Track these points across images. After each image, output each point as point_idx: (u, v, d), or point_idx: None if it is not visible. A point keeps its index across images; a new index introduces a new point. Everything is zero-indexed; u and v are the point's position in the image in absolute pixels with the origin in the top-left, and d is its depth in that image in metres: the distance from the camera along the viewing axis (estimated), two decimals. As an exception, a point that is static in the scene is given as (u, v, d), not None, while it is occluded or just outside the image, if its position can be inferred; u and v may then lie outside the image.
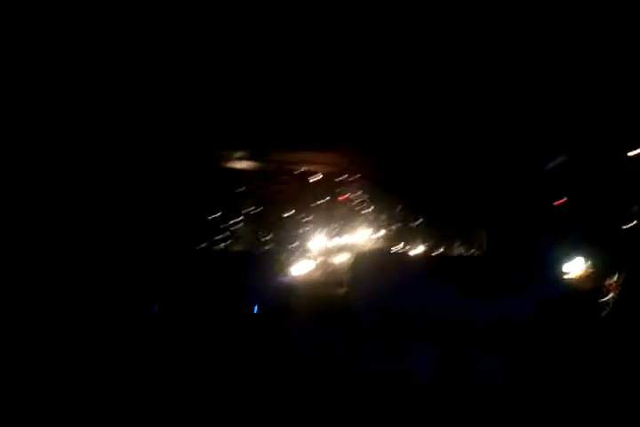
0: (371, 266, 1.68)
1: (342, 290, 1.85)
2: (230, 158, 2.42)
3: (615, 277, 1.84)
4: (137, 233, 2.59)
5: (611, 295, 1.80)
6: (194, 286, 1.75)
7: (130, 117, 1.79)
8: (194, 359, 1.57)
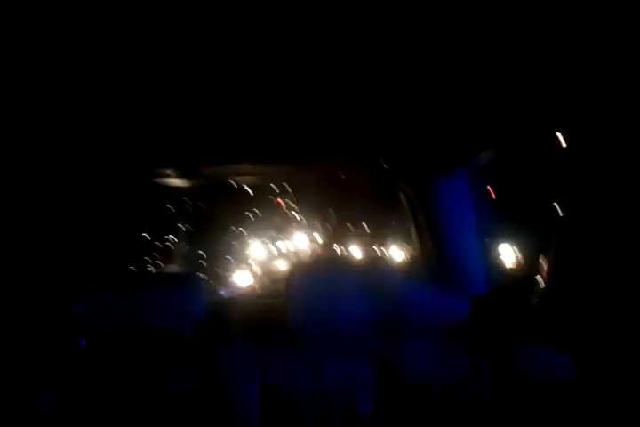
0: (306, 275, 1.65)
1: (279, 301, 1.81)
2: (162, 175, 2.34)
3: (545, 265, 1.89)
4: (62, 252, 2.46)
5: (541, 284, 1.85)
6: (123, 311, 1.66)
7: (60, 133, 1.70)
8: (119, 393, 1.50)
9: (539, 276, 1.75)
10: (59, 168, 2.05)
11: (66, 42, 1.11)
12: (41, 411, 1.46)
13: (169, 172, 2.11)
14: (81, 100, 1.47)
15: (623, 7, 0.98)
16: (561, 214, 1.64)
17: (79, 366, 1.50)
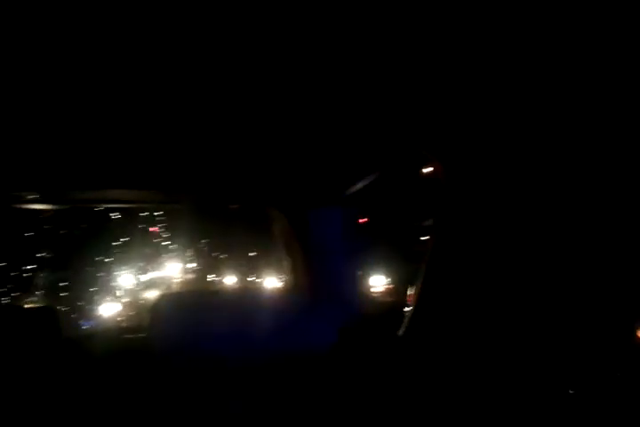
0: (173, 305, 1.59)
1: (144, 334, 1.72)
2: (21, 199, 2.16)
3: (412, 290, 1.95)
4: None
5: (410, 308, 1.91)
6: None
7: None
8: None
9: (407, 305, 1.79)
10: None
11: None
12: None
13: (29, 196, 1.96)
14: None
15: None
16: (429, 241, 1.69)
17: None
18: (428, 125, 1.50)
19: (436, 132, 1.51)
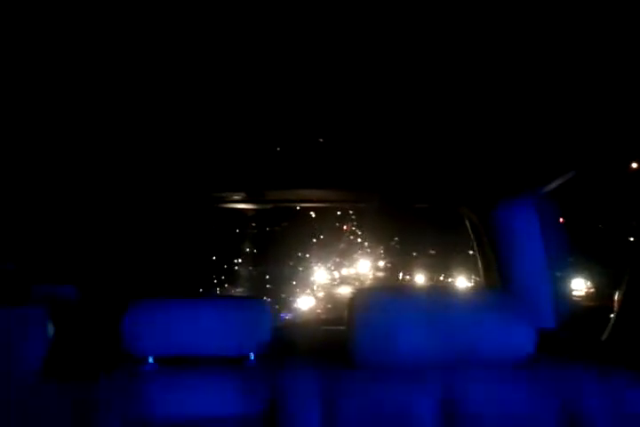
0: (372, 300, 1.63)
1: (342, 327, 1.79)
2: (229, 200, 2.35)
3: (617, 295, 1.82)
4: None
5: (614, 313, 1.78)
6: (182, 330, 1.68)
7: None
8: None
9: (612, 310, 1.68)
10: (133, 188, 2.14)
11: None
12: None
13: (235, 196, 2.17)
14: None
15: None
16: (635, 243, 1.57)
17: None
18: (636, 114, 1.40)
19: None
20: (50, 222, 2.25)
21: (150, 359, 1.58)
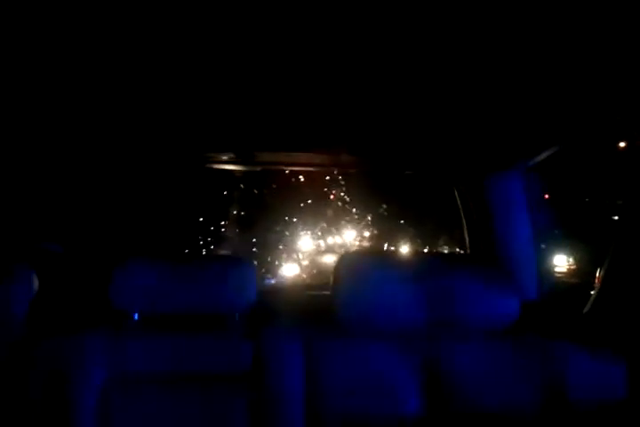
0: (355, 266, 1.63)
1: (327, 292, 1.80)
2: (217, 160, 2.33)
3: (599, 272, 1.85)
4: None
5: (596, 290, 1.82)
6: (172, 287, 1.70)
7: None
8: None
9: (593, 287, 1.71)
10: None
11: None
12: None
13: (224, 156, 2.16)
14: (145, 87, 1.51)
15: None
16: (620, 222, 1.58)
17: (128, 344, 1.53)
18: (631, 91, 1.39)
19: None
20: (36, 181, 2.23)
21: (136, 316, 1.59)
